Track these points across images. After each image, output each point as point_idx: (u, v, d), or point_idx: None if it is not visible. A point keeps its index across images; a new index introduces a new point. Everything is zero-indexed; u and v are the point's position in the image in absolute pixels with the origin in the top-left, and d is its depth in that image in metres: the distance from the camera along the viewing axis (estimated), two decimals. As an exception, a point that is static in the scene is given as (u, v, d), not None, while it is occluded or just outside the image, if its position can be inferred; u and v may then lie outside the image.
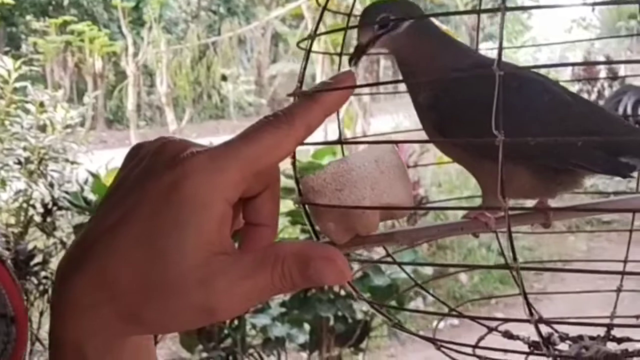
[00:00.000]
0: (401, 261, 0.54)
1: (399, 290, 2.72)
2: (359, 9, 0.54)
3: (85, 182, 3.45)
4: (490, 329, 0.53)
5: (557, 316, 0.37)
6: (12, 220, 3.52)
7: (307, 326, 2.92)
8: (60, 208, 3.42)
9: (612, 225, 4.94)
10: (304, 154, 3.09)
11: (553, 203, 0.52)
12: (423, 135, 0.54)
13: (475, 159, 0.50)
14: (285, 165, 0.44)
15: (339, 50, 0.56)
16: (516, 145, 0.38)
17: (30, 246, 3.30)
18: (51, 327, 0.40)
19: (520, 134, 0.42)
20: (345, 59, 0.54)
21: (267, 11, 11.90)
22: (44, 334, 3.30)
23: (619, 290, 0.57)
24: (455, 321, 3.58)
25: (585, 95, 4.97)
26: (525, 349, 0.50)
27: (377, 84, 1.26)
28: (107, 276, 0.38)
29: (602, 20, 14.36)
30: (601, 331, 0.51)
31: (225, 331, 2.86)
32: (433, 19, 0.57)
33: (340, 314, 2.87)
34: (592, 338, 0.50)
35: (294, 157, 0.45)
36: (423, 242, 3.85)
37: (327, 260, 0.39)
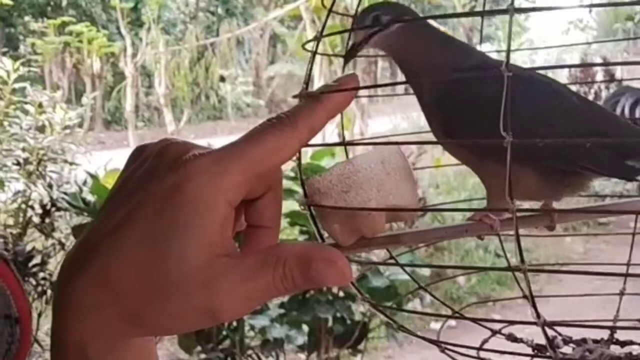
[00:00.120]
0: (405, 263, 0.54)
1: (398, 292, 2.72)
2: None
3: (84, 183, 3.44)
4: (494, 332, 0.53)
5: (554, 318, 0.37)
6: (11, 221, 3.52)
7: (305, 327, 2.92)
8: (58, 209, 3.42)
9: (608, 226, 4.95)
10: (302, 155, 3.08)
11: (556, 206, 0.52)
12: (421, 137, 0.54)
13: (481, 160, 0.50)
14: (285, 167, 0.44)
15: (336, 51, 0.56)
16: (524, 147, 0.38)
17: (28, 247, 3.30)
18: (53, 328, 0.40)
19: (528, 136, 0.42)
20: (351, 60, 0.54)
21: (265, 12, 11.91)
22: (42, 335, 3.29)
23: (621, 293, 0.57)
24: (453, 323, 3.57)
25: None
26: (528, 351, 0.50)
27: (380, 85, 1.26)
28: (109, 277, 0.38)
29: (598, 21, 14.38)
30: (604, 334, 0.51)
31: (224, 332, 2.86)
32: (431, 20, 0.57)
33: (338, 315, 2.87)
34: (595, 341, 0.50)
35: (299, 159, 0.45)
36: (428, 244, 3.85)
37: (328, 262, 0.39)
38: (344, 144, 0.47)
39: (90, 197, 3.27)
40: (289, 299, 2.83)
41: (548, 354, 0.42)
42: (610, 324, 0.54)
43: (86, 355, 0.39)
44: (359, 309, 2.98)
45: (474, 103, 0.48)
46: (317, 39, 0.47)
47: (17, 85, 3.73)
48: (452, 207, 1.43)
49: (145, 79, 12.87)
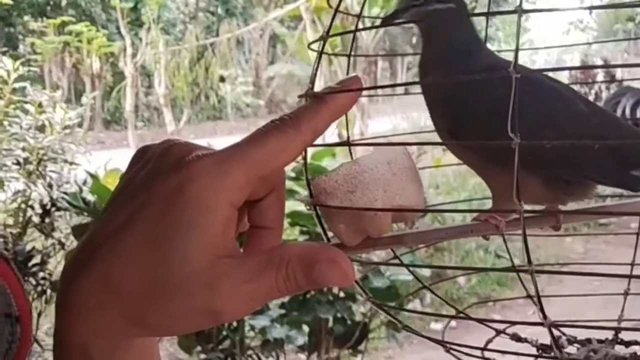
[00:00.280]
0: (407, 263, 0.54)
1: (399, 293, 2.72)
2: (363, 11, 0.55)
3: (84, 182, 3.44)
4: (499, 332, 0.53)
5: (557, 318, 0.37)
6: (11, 221, 3.52)
7: (306, 328, 2.92)
8: (58, 209, 3.42)
9: (609, 227, 4.95)
10: (303, 155, 3.08)
11: (561, 207, 0.52)
12: (421, 137, 0.54)
13: (486, 162, 0.50)
14: (286, 167, 0.44)
15: (336, 51, 0.57)
16: (531, 149, 0.38)
17: (28, 247, 3.30)
18: (56, 328, 0.40)
19: (535, 139, 0.42)
20: (352, 60, 0.54)
21: (265, 12, 11.92)
22: (41, 334, 3.29)
23: (626, 293, 0.57)
24: (454, 323, 3.58)
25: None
26: (532, 351, 0.50)
27: (382, 86, 1.25)
28: (112, 278, 0.38)
29: (599, 22, 14.39)
30: (608, 334, 0.51)
31: (224, 333, 2.86)
32: None
33: (339, 315, 2.87)
34: (600, 341, 0.50)
35: (305, 159, 0.45)
36: (432, 244, 3.84)
37: (331, 263, 0.38)
38: (348, 144, 0.47)
39: (90, 197, 3.27)
40: (289, 299, 2.83)
41: (553, 354, 0.42)
42: (615, 324, 0.54)
43: (89, 356, 0.39)
44: (360, 310, 2.98)
45: (481, 104, 0.48)
46: (324, 39, 0.47)
47: (17, 85, 3.73)
48: (452, 207, 1.43)
49: (145, 79, 12.87)
